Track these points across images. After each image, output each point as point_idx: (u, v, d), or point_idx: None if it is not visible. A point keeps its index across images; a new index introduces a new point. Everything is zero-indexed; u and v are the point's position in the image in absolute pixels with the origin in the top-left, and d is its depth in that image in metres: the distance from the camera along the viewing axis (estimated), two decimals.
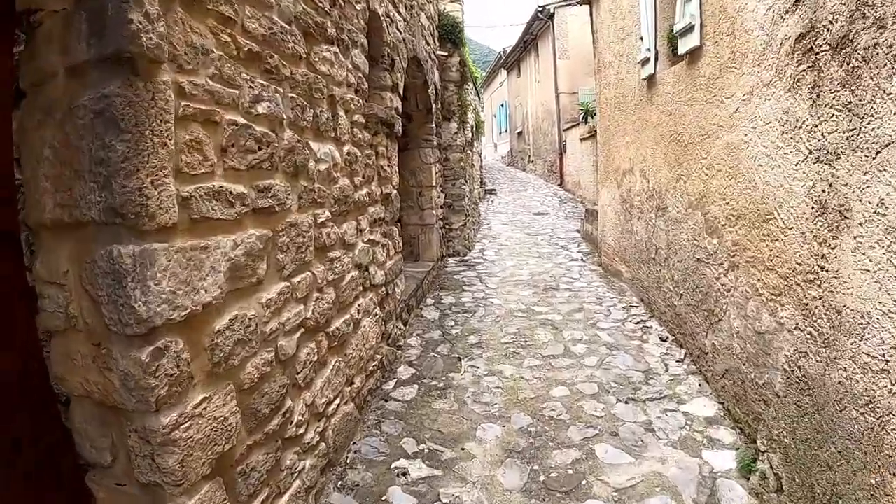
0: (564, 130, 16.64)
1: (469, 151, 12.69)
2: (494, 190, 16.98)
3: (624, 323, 5.42)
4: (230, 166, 2.03)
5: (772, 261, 3.16)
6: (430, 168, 6.77)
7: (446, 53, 7.65)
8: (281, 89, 2.44)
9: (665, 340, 5.06)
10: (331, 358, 3.12)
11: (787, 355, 3.05)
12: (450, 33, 7.75)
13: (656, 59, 5.11)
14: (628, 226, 6.34)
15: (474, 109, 14.09)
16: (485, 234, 10.38)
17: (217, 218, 1.94)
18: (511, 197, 15.97)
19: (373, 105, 3.76)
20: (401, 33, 4.87)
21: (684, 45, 4.26)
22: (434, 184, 6.88)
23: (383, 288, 4.22)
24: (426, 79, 6.27)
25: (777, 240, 3.08)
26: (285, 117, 2.46)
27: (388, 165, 4.37)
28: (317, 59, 2.88)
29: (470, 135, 12.65)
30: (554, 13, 16.85)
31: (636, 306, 5.90)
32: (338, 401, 3.21)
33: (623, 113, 6.36)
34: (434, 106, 6.78)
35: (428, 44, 6.57)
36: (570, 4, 16.66)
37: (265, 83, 2.29)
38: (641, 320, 5.48)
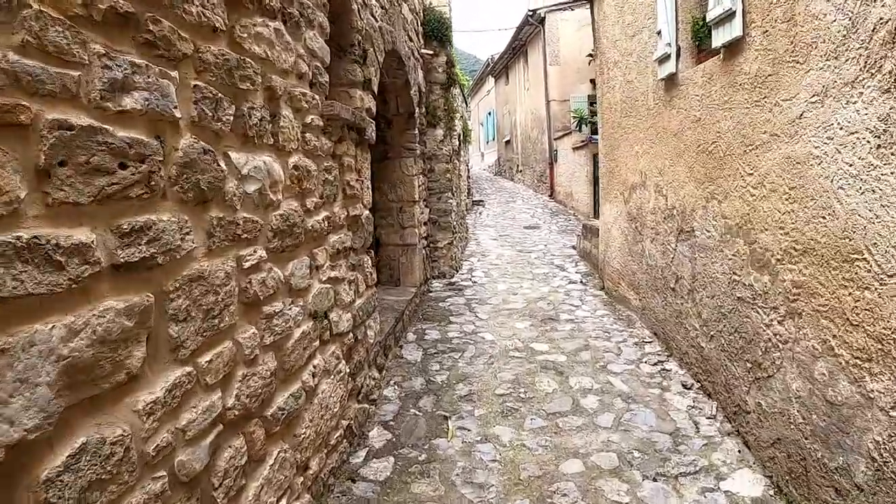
0: (556, 139, 15.92)
1: (456, 161, 11.90)
2: (482, 201, 16.19)
3: (638, 364, 4.61)
4: (59, 199, 1.18)
5: (857, 314, 2.37)
6: (412, 181, 5.94)
7: (432, 52, 6.84)
8: (175, 73, 1.59)
9: (689, 388, 4.27)
10: (272, 448, 2.26)
11: (876, 440, 2.27)
12: (436, 30, 6.95)
13: (678, 55, 4.34)
14: (638, 247, 5.55)
15: (462, 116, 13.32)
16: (473, 250, 9.55)
17: (27, 293, 1.09)
18: (500, 208, 15.18)
19: (335, 104, 2.92)
20: (377, 20, 4.05)
21: (720, 37, 3.49)
22: (417, 198, 6.05)
23: (351, 334, 3.36)
24: (408, 78, 5.45)
25: (867, 288, 2.30)
26: (181, 115, 1.61)
27: (358, 180, 3.53)
28: (245, 35, 2.04)
29: (457, 143, 11.87)
30: (545, 18, 16.18)
31: (649, 341, 5.11)
32: (284, 501, 2.35)
33: (632, 119, 5.59)
34: (417, 110, 5.95)
35: (411, 39, 5.75)
36: (561, 8, 16.03)
37: (141, 62, 1.44)
38: (658, 361, 4.68)
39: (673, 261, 4.63)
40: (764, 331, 3.24)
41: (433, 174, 7.13)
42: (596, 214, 12.74)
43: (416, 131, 5.98)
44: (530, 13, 16.68)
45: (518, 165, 21.55)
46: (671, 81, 4.46)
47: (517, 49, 19.79)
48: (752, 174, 3.28)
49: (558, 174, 15.93)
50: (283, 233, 2.35)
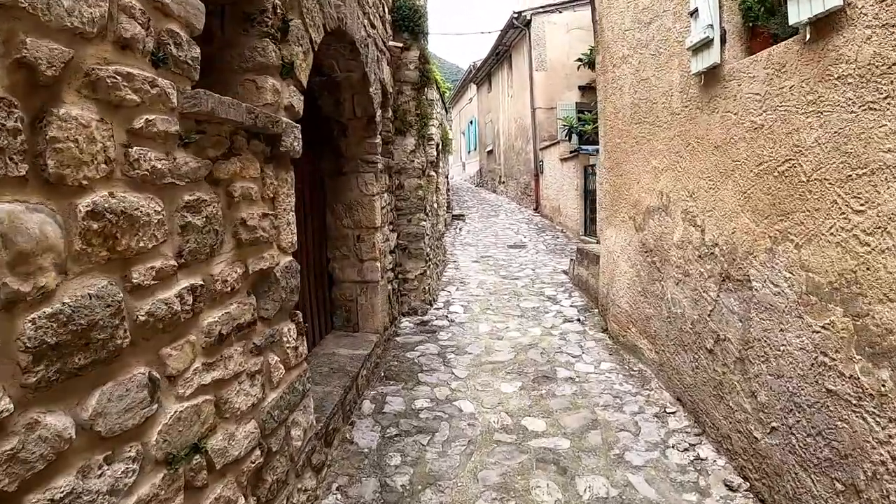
0: (541, 149, 14.87)
1: (433, 174, 10.72)
2: (462, 215, 15.04)
3: (664, 451, 3.47)
4: None
5: None
6: (372, 202, 4.74)
7: (402, 45, 5.68)
8: None
9: (736, 490, 3.14)
10: None
11: None
12: (407, 19, 5.79)
13: (723, 41, 3.23)
14: (656, 288, 4.42)
15: (440, 124, 12.17)
16: (451, 276, 8.36)
17: None
18: (481, 224, 14.04)
19: (206, 97, 1.73)
20: None
21: (803, 10, 2.37)
22: (378, 223, 4.85)
23: (256, 452, 2.15)
24: (365, 72, 4.26)
25: None
26: None
27: (269, 215, 2.33)
28: None
29: (434, 153, 10.70)
30: (531, 20, 15.17)
31: (672, 411, 3.97)
32: None
33: (647, 126, 4.48)
34: (380, 113, 4.77)
35: (372, 25, 4.58)
36: (549, 10, 15.03)
37: None
38: (689, 445, 3.55)
39: (712, 314, 3.50)
40: (874, 448, 2.13)
41: (402, 191, 5.95)
42: (587, 232, 11.68)
43: (379, 139, 4.79)
44: (515, 15, 15.66)
45: (501, 177, 20.48)
46: (713, 76, 3.35)
47: (501, 54, 18.77)
48: (863, 211, 2.16)
49: (544, 186, 14.87)
50: (61, 348, 1.15)
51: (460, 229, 13.33)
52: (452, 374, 4.59)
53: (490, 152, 22.35)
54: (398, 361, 4.86)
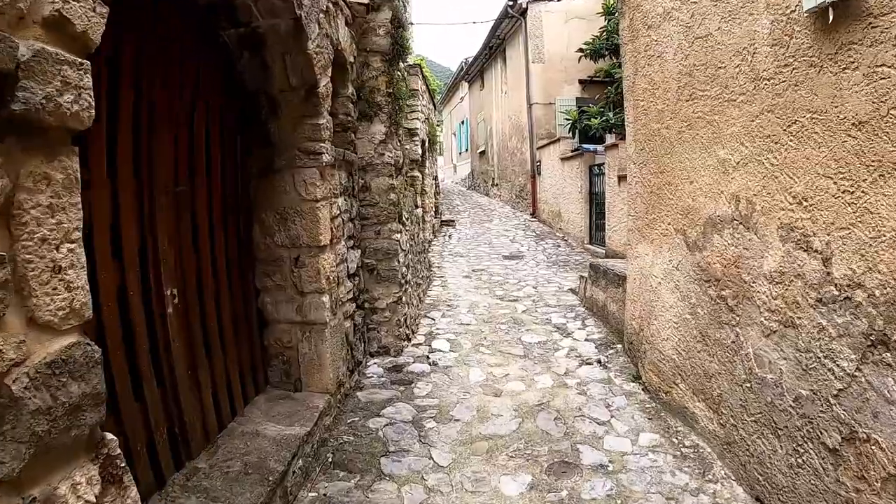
0: (539, 148, 13.52)
1: (417, 174, 9.34)
2: (453, 221, 13.65)
3: None
4: None
5: None
6: (315, 211, 3.33)
7: (367, 3, 4.29)
8: None
9: None
10: None
11: None
12: None
13: None
14: (724, 334, 3.06)
15: (427, 118, 10.80)
16: (436, 296, 6.96)
17: None
18: (473, 230, 12.66)
19: None
20: None
21: None
22: (326, 240, 3.45)
23: None
24: (298, 17, 2.87)
25: None
26: None
27: None
28: None
29: (419, 151, 9.33)
30: (527, 8, 13.84)
31: None
32: None
33: (709, 102, 3.12)
34: (326, 83, 3.35)
35: None
36: None
37: None
38: None
39: (842, 396, 2.13)
40: None
41: (368, 195, 4.54)
42: (593, 240, 10.33)
43: (326, 121, 3.38)
44: (510, 4, 14.34)
45: (494, 179, 19.12)
46: (847, 8, 1.99)
47: (494, 48, 17.44)
48: None
49: (542, 189, 13.52)
50: None
51: (450, 237, 11.94)
52: (430, 457, 3.18)
53: (482, 153, 20.99)
54: (355, 435, 3.44)
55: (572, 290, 6.94)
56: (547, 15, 13.79)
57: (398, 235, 4.70)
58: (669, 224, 3.72)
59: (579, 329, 5.48)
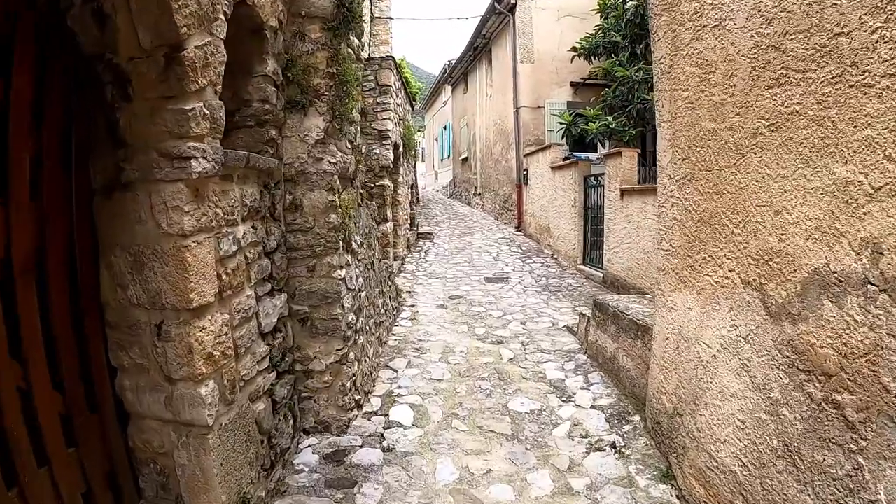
0: (526, 156, 12.35)
1: (387, 182, 8.09)
2: (431, 234, 12.41)
3: None
4: None
5: None
6: (182, 252, 2.05)
7: None
8: None
9: None
10: None
11: None
12: None
13: None
14: (833, 460, 1.83)
15: (401, 119, 9.57)
16: (404, 335, 5.69)
17: None
18: (452, 245, 11.42)
19: None
20: None
21: None
22: (211, 296, 2.18)
23: None
24: None
25: None
26: None
27: None
28: None
29: (390, 156, 8.09)
30: (515, 4, 12.71)
31: None
32: None
33: (816, 89, 1.91)
34: (197, 42, 2.07)
35: None
36: None
37: None
38: None
39: None
40: None
41: (298, 216, 3.26)
42: (587, 260, 9.13)
43: (200, 106, 2.09)
44: None
45: (476, 187, 17.93)
46: None
47: (479, 49, 16.28)
48: None
49: (529, 201, 12.34)
50: None
51: (426, 252, 10.68)
52: None
53: (465, 160, 19.80)
54: None
55: (569, 329, 5.73)
56: (537, 12, 12.66)
57: (342, 271, 3.42)
58: (733, 270, 2.52)
59: (583, 389, 4.25)
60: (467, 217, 15.59)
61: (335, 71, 3.30)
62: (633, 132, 7.92)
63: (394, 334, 5.64)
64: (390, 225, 8.27)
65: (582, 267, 8.86)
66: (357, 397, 3.82)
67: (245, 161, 2.56)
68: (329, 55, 3.27)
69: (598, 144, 11.28)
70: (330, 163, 3.30)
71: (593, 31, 9.89)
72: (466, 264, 9.60)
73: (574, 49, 10.24)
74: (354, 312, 3.73)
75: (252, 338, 2.70)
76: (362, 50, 4.37)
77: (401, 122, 9.42)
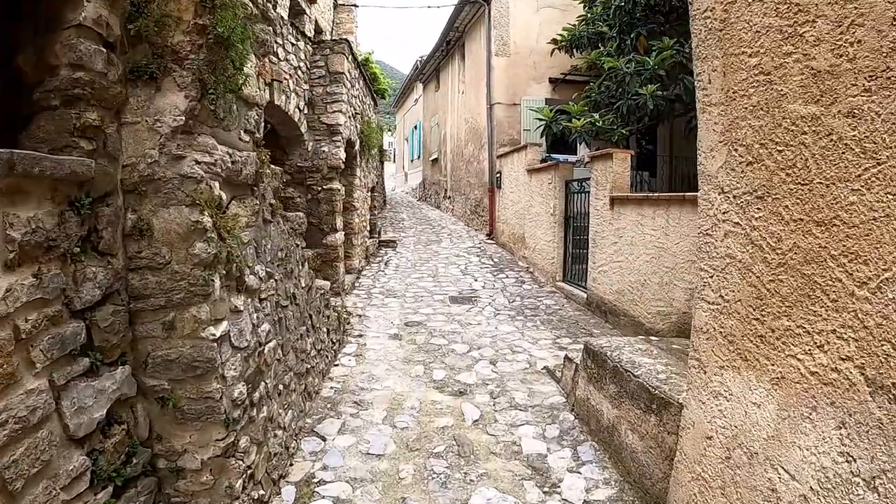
0: (500, 157, 11.29)
1: (337, 186, 6.97)
2: (394, 241, 11.24)
3: None
4: None
5: None
6: None
7: None
8: None
9: None
10: None
11: None
12: None
13: None
14: None
15: (358, 114, 8.41)
16: (343, 379, 4.53)
17: None
18: (417, 255, 10.28)
19: None
20: None
21: None
22: None
23: None
24: None
25: None
26: None
27: None
28: None
29: (341, 154, 6.94)
30: None
31: None
32: None
33: None
34: None
35: None
36: None
37: None
38: None
39: None
40: None
41: (146, 243, 2.02)
42: (567, 276, 8.00)
43: None
44: None
45: (447, 190, 16.82)
46: None
47: (452, 43, 15.18)
48: None
49: (502, 206, 11.27)
50: None
51: (386, 263, 9.52)
52: None
53: (435, 161, 18.67)
54: None
55: (549, 372, 4.65)
56: (515, 2, 11.61)
57: (219, 327, 2.26)
58: (849, 360, 1.45)
59: (572, 472, 3.16)
60: (436, 222, 14.47)
61: (207, 22, 2.14)
62: (624, 132, 6.89)
63: (331, 378, 4.49)
64: (340, 235, 7.09)
65: (562, 284, 7.81)
66: (258, 494, 2.66)
67: (6, 166, 1.39)
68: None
69: (579, 146, 10.31)
70: (198, 163, 2.13)
71: (576, 22, 8.89)
72: (430, 278, 8.47)
73: (555, 41, 9.23)
74: (248, 381, 2.55)
75: (42, 457, 1.53)
76: (275, 4, 3.19)
77: (357, 116, 8.24)
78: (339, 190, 6.94)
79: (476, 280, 8.41)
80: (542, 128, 8.24)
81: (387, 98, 26.32)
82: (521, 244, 9.70)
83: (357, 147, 8.32)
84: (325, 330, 4.53)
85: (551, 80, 11.43)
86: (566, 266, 7.93)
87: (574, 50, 8.93)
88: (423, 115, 21.75)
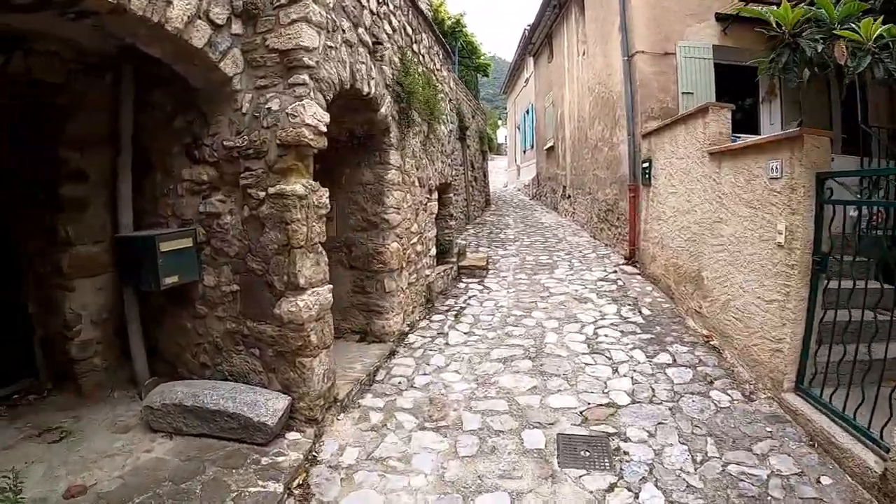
0: (647, 135, 7.01)
1: (300, 191, 3.20)
2: (484, 268, 7.43)
3: None
4: None
5: None
6: None
7: None
8: None
9: None
10: None
11: None
12: None
13: None
14: None
15: (419, 49, 4.65)
16: None
17: None
18: (513, 297, 6.39)
19: None
20: None
21: None
22: None
23: None
24: None
25: None
26: None
27: None
28: None
29: (306, 114, 3.23)
30: None
31: None
32: None
33: None
34: None
35: None
36: None
37: None
38: None
39: None
40: None
41: None
42: (811, 389, 3.50)
43: None
44: None
45: (565, 187, 12.62)
46: None
47: None
48: None
49: (653, 215, 6.94)
50: None
51: (457, 316, 5.74)
52: None
53: (550, 149, 14.50)
54: None
55: None
56: None
57: None
58: None
59: None
60: (550, 231, 10.44)
61: None
62: None
63: None
64: (310, 299, 3.31)
65: (796, 402, 3.54)
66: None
67: None
68: None
69: (763, 118, 6.08)
70: None
71: None
72: (525, 361, 4.58)
73: None
74: None
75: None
76: None
77: (387, 52, 4.49)
78: (300, 197, 3.18)
79: (615, 371, 4.35)
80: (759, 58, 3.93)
81: (488, 75, 22.41)
82: (695, 289, 5.40)
83: (393, 111, 4.60)
84: None
85: (719, 18, 6.93)
86: (802, 361, 3.59)
87: None
88: (534, 96, 17.59)
